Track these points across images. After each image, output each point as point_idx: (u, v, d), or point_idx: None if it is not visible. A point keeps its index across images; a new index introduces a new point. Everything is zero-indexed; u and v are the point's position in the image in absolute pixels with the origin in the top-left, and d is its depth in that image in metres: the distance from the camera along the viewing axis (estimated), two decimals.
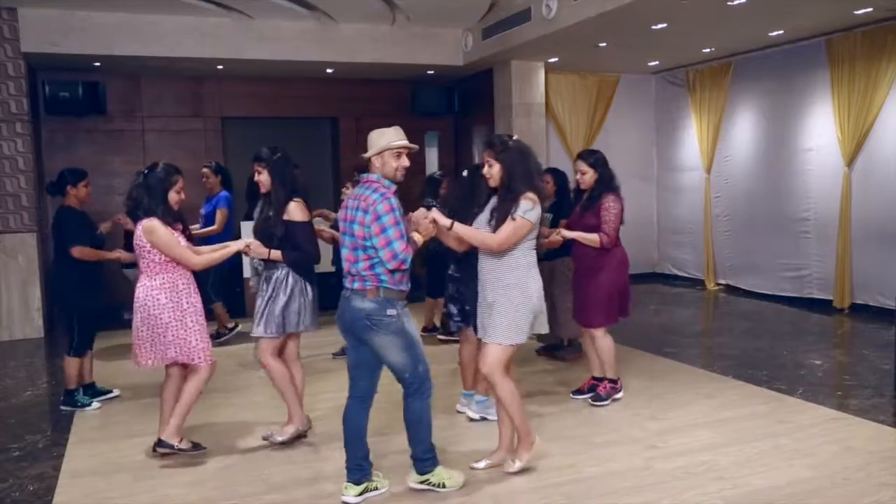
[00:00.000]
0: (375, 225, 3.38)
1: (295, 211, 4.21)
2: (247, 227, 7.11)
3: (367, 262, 3.46)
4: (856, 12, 6.99)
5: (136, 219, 4.09)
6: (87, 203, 5.33)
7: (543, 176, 4.54)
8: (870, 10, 6.89)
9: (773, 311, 8.26)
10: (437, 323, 7.20)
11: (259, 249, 4.20)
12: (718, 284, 9.75)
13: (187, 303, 4.09)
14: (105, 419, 5.06)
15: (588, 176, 4.81)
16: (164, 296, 4.03)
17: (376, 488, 3.67)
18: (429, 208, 3.77)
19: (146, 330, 4.06)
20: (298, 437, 4.42)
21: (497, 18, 8.48)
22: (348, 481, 3.63)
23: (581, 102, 10.15)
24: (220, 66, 8.95)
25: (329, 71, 9.50)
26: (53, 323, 8.57)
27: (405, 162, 3.56)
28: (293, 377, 4.42)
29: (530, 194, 3.66)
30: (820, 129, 8.19)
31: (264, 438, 4.39)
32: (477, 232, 3.73)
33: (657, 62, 9.82)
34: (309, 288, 4.30)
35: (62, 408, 5.27)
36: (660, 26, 7.31)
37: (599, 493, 3.66)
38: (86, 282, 5.17)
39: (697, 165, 9.90)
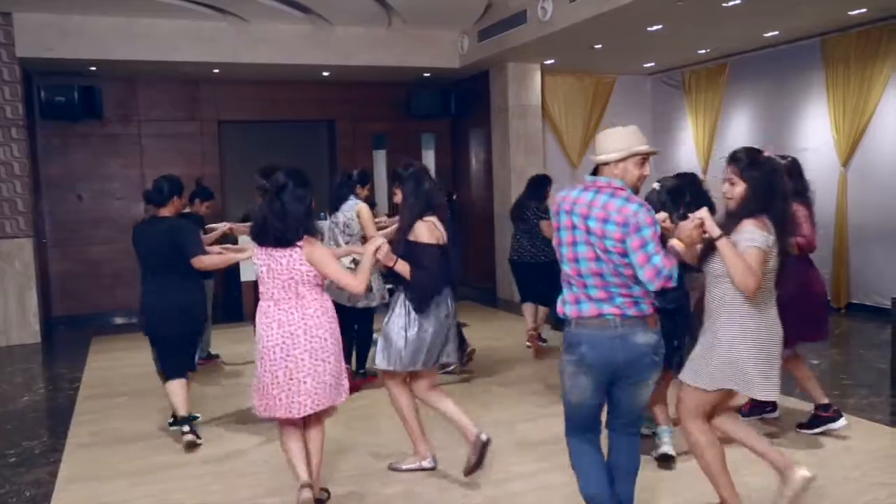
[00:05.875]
0: (635, 238, 2.80)
1: (421, 231, 3.78)
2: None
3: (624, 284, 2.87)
4: (850, 13, 7.02)
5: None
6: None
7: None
8: (864, 10, 6.91)
9: None
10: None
11: (388, 255, 3.69)
12: None
13: None
14: (102, 424, 5.05)
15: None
16: None
17: None
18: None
19: None
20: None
21: (493, 20, 8.49)
22: None
23: (577, 104, 10.16)
24: (216, 70, 8.94)
25: (325, 74, 9.50)
26: (50, 328, 8.56)
27: (647, 171, 3.00)
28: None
29: (752, 220, 3.04)
30: (815, 130, 8.20)
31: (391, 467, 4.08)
32: (741, 259, 2.99)
33: (653, 63, 9.84)
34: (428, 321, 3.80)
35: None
36: (655, 27, 7.32)
37: None
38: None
39: (694, 166, 9.89)
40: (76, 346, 7.64)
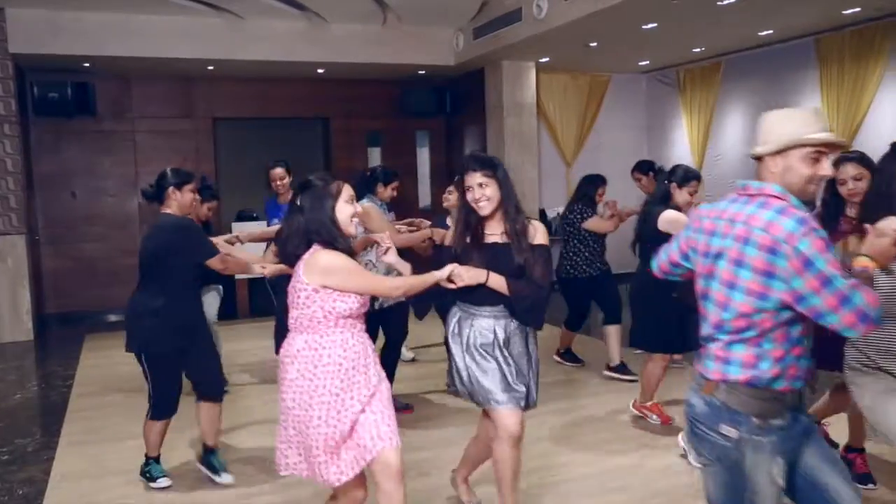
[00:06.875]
0: (809, 277, 1.94)
1: (539, 230, 3.04)
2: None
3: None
4: (844, 12, 7.03)
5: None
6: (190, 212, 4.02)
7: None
8: (858, 9, 6.93)
9: None
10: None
11: (472, 272, 2.91)
12: None
13: None
14: (95, 422, 5.03)
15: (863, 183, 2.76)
16: None
17: None
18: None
19: None
20: None
21: (488, 18, 8.49)
22: None
23: (572, 102, 10.17)
24: (210, 67, 8.91)
25: (320, 71, 9.48)
26: (43, 326, 8.53)
27: (824, 169, 2.07)
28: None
29: None
30: None
31: None
32: None
33: (648, 62, 9.85)
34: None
35: (141, 477, 3.97)
36: (650, 26, 7.33)
37: (591, 492, 3.66)
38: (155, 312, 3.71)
39: (689, 165, 9.93)
40: (69, 344, 7.61)
